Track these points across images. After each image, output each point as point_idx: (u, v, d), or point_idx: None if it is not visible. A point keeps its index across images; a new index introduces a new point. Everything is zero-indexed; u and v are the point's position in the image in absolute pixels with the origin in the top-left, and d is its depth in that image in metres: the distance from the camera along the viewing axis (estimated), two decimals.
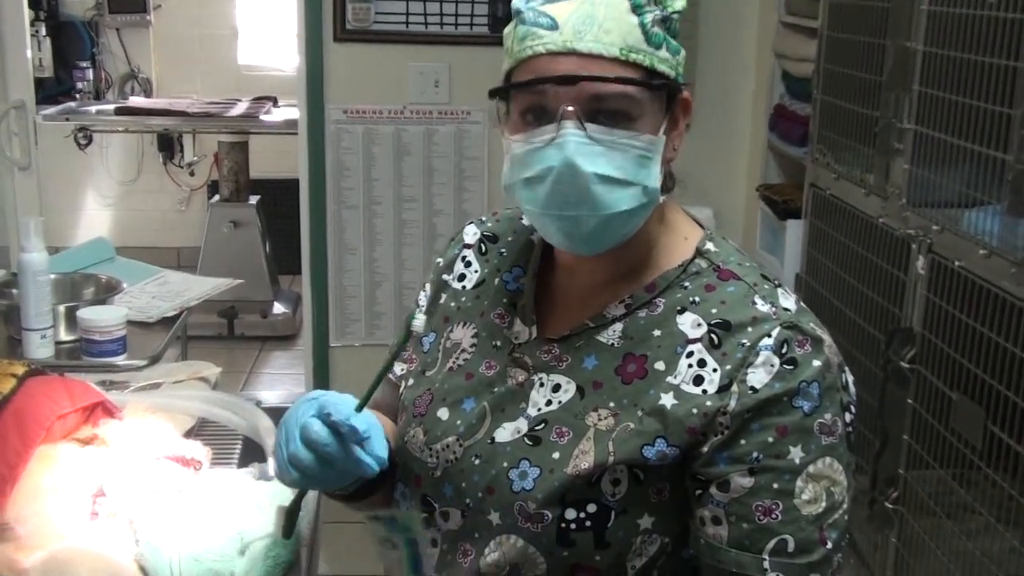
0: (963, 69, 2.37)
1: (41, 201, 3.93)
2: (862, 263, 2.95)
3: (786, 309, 1.14)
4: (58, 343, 1.90)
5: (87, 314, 1.86)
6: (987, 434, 2.30)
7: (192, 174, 5.89)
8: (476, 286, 1.28)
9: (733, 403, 1.08)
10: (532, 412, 1.16)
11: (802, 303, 1.17)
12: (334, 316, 3.99)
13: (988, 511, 2.30)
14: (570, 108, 1.07)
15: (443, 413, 1.19)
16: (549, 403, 1.16)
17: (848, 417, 1.13)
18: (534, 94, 1.09)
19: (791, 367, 1.09)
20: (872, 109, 2.82)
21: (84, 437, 1.31)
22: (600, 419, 1.12)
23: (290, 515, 1.13)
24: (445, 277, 1.31)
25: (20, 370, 1.27)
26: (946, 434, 2.48)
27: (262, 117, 5.14)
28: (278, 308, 5.13)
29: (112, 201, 6.16)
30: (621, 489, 1.09)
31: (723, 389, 1.09)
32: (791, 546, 1.07)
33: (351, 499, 1.21)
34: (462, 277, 1.29)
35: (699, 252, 1.20)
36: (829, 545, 1.08)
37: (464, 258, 1.31)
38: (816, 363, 1.10)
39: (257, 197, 5.13)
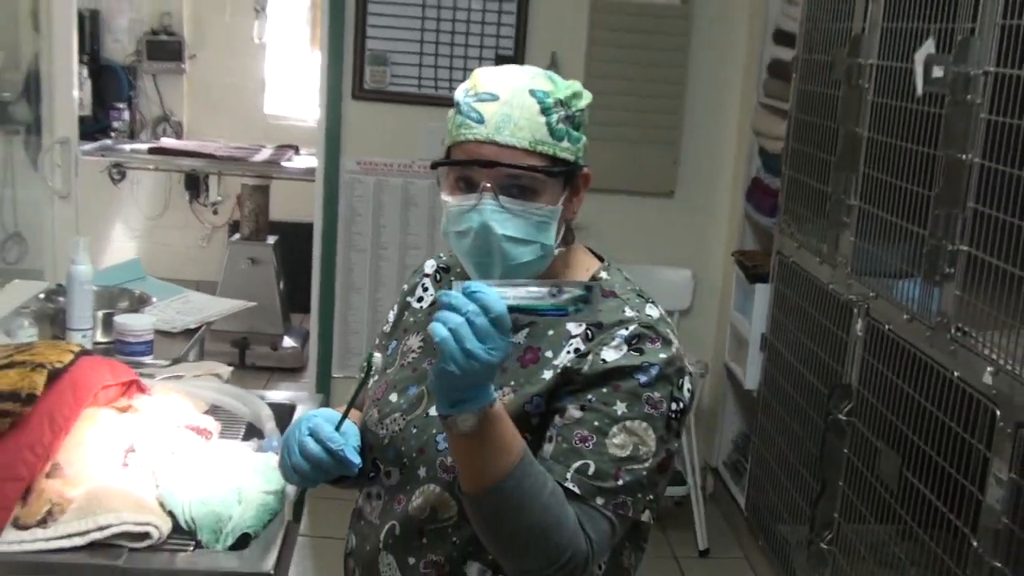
0: (899, 154, 2.70)
1: (77, 228, 4.27)
2: (815, 325, 3.27)
3: (648, 315, 1.46)
4: (95, 343, 2.22)
5: (122, 319, 2.19)
6: (903, 480, 2.59)
7: (215, 212, 6.24)
8: (429, 305, 1.63)
9: (586, 367, 1.40)
10: None
11: (667, 317, 1.50)
12: (338, 349, 4.31)
13: (906, 554, 2.59)
14: (487, 184, 1.40)
15: (393, 397, 1.52)
16: None
17: (675, 407, 1.42)
18: (464, 169, 1.43)
19: (638, 353, 1.40)
20: (826, 185, 3.16)
21: (121, 406, 1.63)
22: (504, 395, 1.43)
23: (297, 501, 1.45)
24: (408, 299, 1.66)
25: (76, 348, 1.59)
26: (873, 481, 2.77)
27: (283, 163, 5.50)
28: (288, 342, 5.43)
29: (139, 233, 6.51)
30: None
31: (582, 358, 1.41)
32: (591, 470, 1.37)
33: (335, 484, 1.53)
34: (420, 299, 1.65)
35: (593, 278, 1.54)
36: (620, 482, 1.37)
37: (423, 284, 1.66)
38: (661, 355, 1.41)
39: (275, 238, 5.46)
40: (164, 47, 6.31)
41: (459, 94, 1.45)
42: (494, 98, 1.42)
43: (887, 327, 2.72)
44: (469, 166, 1.41)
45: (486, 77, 1.45)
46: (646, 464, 1.40)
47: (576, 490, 1.37)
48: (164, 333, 2.40)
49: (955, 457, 2.29)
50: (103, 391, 1.60)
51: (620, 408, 1.40)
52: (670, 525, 4.02)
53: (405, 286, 1.67)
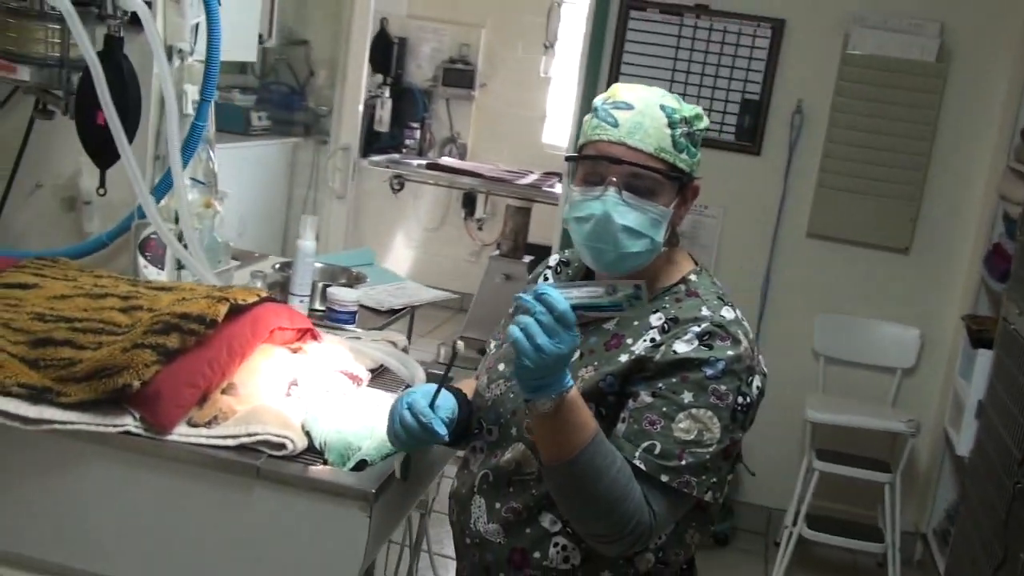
0: None
1: (348, 226, 4.79)
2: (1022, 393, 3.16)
3: (722, 316, 1.60)
4: (311, 310, 2.59)
5: (333, 291, 2.55)
6: None
7: (480, 229, 6.72)
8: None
9: (658, 356, 1.56)
10: None
11: (743, 321, 1.63)
12: None
13: None
14: (614, 179, 1.60)
15: (500, 366, 1.74)
16: None
17: (741, 400, 1.57)
18: (594, 164, 1.63)
19: (707, 348, 1.56)
20: None
21: (294, 347, 1.96)
22: (586, 372, 1.62)
23: (404, 463, 1.70)
24: (531, 286, 1.86)
25: (263, 294, 1.93)
26: None
27: (545, 188, 5.86)
28: None
29: (417, 244, 7.08)
30: None
31: (656, 347, 1.58)
32: (657, 449, 1.53)
33: (454, 445, 1.78)
34: None
35: (683, 279, 1.70)
36: (683, 462, 1.52)
37: (544, 275, 1.87)
38: (729, 352, 1.56)
39: (531, 257, 5.82)
40: (459, 75, 6.86)
41: (597, 101, 1.66)
42: (629, 107, 1.62)
43: None
44: (600, 161, 1.60)
45: (624, 90, 1.66)
46: (709, 449, 1.55)
47: (643, 467, 1.53)
48: (373, 310, 2.75)
49: None
50: (280, 332, 1.92)
51: (687, 397, 1.55)
52: None
53: (530, 276, 1.89)
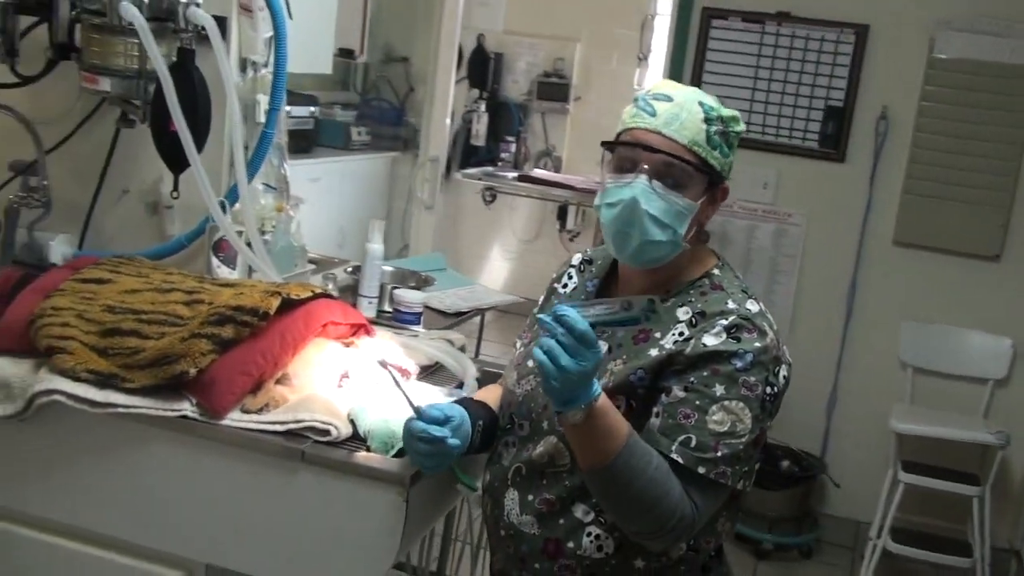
0: None
1: (436, 236, 4.90)
2: None
3: (748, 308, 1.63)
4: (380, 311, 2.69)
5: (399, 293, 2.64)
6: None
7: (572, 240, 6.77)
8: (572, 289, 1.87)
9: (688, 349, 1.60)
10: None
11: (767, 313, 1.66)
12: None
13: None
14: (646, 167, 1.64)
15: (529, 363, 1.77)
16: None
17: (769, 390, 1.60)
18: (629, 151, 1.67)
19: (735, 340, 1.59)
20: None
21: (346, 342, 2.05)
22: (616, 365, 1.66)
23: (460, 477, 1.76)
24: (555, 285, 1.91)
25: (318, 290, 2.01)
26: None
27: None
28: None
29: (513, 255, 7.18)
30: (620, 412, 1.62)
31: (685, 341, 1.62)
32: (693, 442, 1.56)
33: (484, 450, 1.81)
34: (564, 286, 1.89)
35: (706, 274, 1.72)
36: (719, 454, 1.56)
37: (568, 273, 1.90)
38: (756, 344, 1.59)
39: None
40: (554, 88, 6.94)
41: (639, 93, 1.71)
42: (668, 99, 1.67)
43: None
44: (635, 148, 1.65)
45: (666, 85, 1.72)
46: (742, 439, 1.58)
47: (680, 460, 1.57)
48: (440, 312, 2.83)
49: None
50: (334, 327, 2.01)
51: (719, 389, 1.58)
52: None
53: (554, 274, 1.93)
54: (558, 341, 1.47)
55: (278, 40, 2.33)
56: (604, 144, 1.72)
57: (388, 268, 2.87)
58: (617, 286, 1.81)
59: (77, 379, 1.83)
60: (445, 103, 4.74)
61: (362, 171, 6.03)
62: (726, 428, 1.58)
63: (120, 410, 1.80)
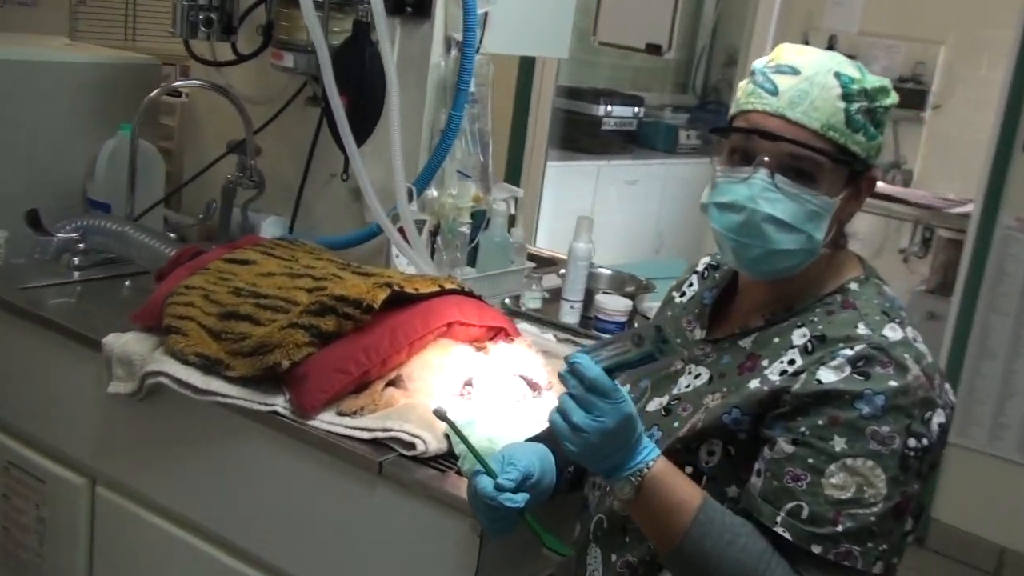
0: None
1: None
2: None
3: (884, 335, 1.24)
4: (583, 316, 2.42)
5: (600, 298, 2.34)
6: None
7: (905, 261, 6.02)
8: (689, 299, 1.53)
9: (797, 386, 1.24)
10: (674, 391, 1.40)
11: (916, 342, 1.24)
12: (959, 415, 3.89)
13: None
14: (766, 158, 1.28)
15: (625, 389, 1.46)
16: (688, 386, 1.39)
17: (913, 443, 1.20)
18: (744, 139, 1.31)
19: (861, 377, 1.21)
20: None
21: (477, 345, 1.80)
22: (713, 400, 1.31)
23: (537, 532, 1.48)
24: (673, 294, 1.57)
25: (446, 284, 1.79)
26: None
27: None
28: None
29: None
30: (714, 459, 1.30)
31: (794, 375, 1.25)
32: (805, 513, 1.20)
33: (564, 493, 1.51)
34: (683, 294, 1.55)
35: (841, 288, 1.32)
36: (839, 528, 1.19)
37: (689, 281, 1.56)
38: (891, 383, 1.20)
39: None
40: (910, 95, 6.22)
41: (758, 63, 1.35)
42: (795, 72, 1.30)
43: None
44: (751, 136, 1.30)
45: (790, 51, 1.34)
46: (874, 509, 1.20)
47: (787, 535, 1.22)
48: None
49: None
50: (465, 328, 1.77)
51: (839, 444, 1.21)
52: None
53: (675, 281, 1.60)
54: (569, 394, 1.20)
55: (467, 19, 2.16)
56: (713, 131, 1.38)
57: (606, 271, 2.61)
58: (735, 299, 1.46)
59: (186, 362, 1.75)
60: None
61: (686, 175, 5.76)
62: (850, 494, 1.20)
63: (218, 399, 1.70)
